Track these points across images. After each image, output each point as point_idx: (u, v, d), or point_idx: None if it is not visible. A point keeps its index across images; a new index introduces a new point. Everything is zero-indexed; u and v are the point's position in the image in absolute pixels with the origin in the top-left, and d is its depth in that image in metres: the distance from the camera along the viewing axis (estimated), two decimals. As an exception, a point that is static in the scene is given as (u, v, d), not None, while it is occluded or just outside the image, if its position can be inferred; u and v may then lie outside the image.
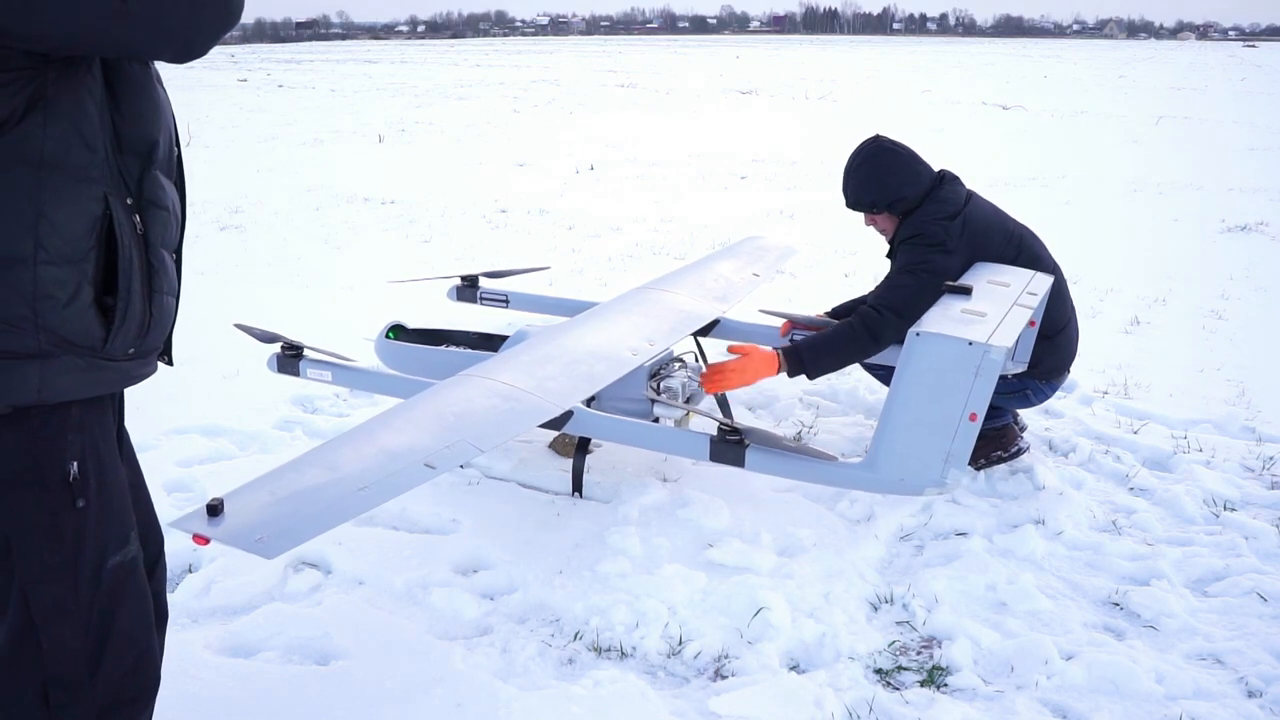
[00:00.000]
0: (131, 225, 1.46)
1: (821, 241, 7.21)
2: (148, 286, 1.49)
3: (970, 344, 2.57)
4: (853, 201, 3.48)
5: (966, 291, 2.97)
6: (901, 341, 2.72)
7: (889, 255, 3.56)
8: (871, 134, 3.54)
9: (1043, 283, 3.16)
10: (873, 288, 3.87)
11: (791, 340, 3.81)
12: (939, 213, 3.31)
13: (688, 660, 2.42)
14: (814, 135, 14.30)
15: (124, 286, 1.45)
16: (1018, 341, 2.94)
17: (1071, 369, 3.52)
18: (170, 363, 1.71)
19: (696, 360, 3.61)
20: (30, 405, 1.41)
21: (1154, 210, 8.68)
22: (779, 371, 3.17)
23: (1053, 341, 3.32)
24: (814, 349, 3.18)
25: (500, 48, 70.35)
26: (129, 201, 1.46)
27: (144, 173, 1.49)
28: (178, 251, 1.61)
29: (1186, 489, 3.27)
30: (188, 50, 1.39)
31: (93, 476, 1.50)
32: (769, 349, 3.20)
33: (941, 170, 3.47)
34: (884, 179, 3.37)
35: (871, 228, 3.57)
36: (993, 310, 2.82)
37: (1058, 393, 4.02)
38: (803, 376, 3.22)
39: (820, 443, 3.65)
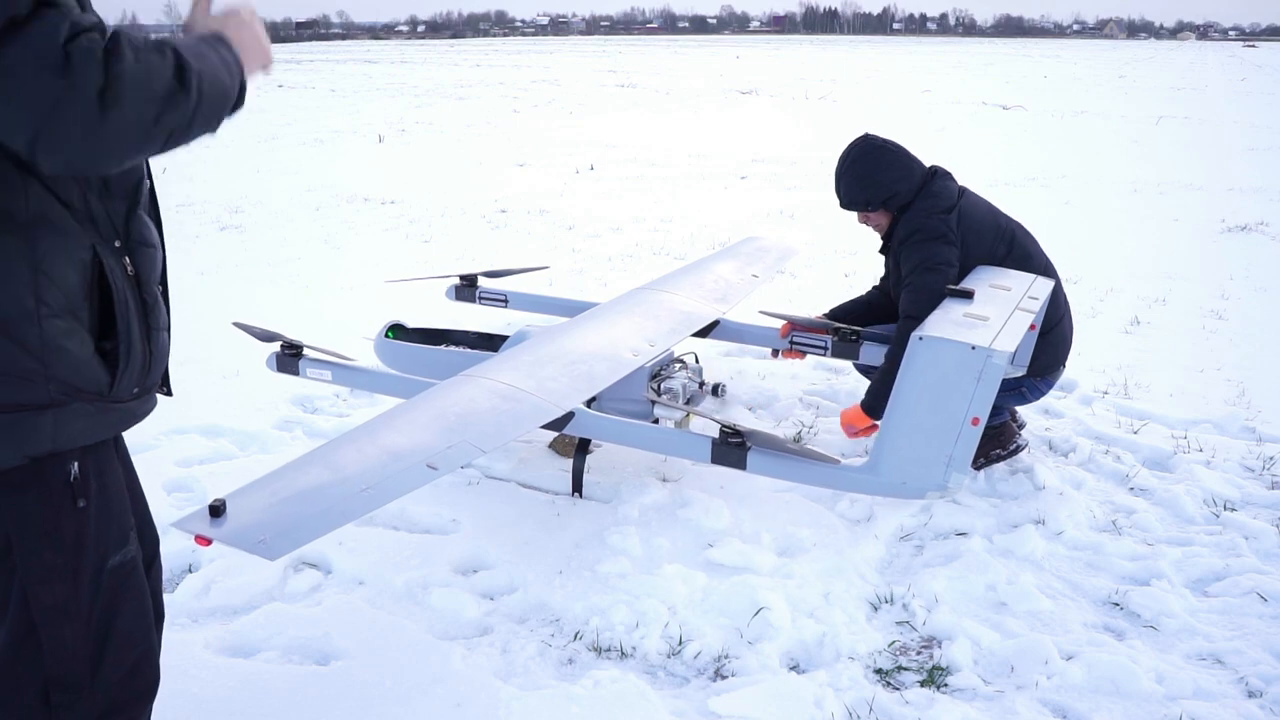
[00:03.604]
0: (122, 268, 1.46)
1: (821, 241, 7.20)
2: (145, 325, 1.50)
3: (973, 348, 2.57)
4: (847, 201, 3.47)
5: (969, 295, 2.97)
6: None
7: (882, 251, 3.57)
8: (860, 133, 3.54)
9: (1044, 287, 3.17)
10: (871, 287, 3.88)
11: (792, 342, 3.83)
12: (935, 207, 3.32)
13: (688, 660, 2.42)
14: (814, 135, 14.29)
15: (123, 329, 1.45)
16: (1018, 346, 2.95)
17: (1068, 366, 3.52)
18: (169, 393, 1.72)
19: (697, 361, 3.61)
20: (44, 455, 1.41)
21: (1154, 210, 8.68)
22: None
23: (1046, 338, 3.32)
24: (875, 390, 3.24)
25: (500, 48, 70.33)
26: (117, 244, 1.46)
27: (130, 214, 1.49)
28: (163, 284, 1.62)
29: (1186, 489, 3.27)
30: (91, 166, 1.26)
31: (93, 477, 1.50)
32: (853, 406, 3.34)
33: (933, 165, 3.47)
34: (876, 176, 3.37)
35: (865, 225, 3.56)
36: (995, 315, 2.82)
37: (1058, 392, 4.03)
38: None
39: (820, 443, 3.65)
